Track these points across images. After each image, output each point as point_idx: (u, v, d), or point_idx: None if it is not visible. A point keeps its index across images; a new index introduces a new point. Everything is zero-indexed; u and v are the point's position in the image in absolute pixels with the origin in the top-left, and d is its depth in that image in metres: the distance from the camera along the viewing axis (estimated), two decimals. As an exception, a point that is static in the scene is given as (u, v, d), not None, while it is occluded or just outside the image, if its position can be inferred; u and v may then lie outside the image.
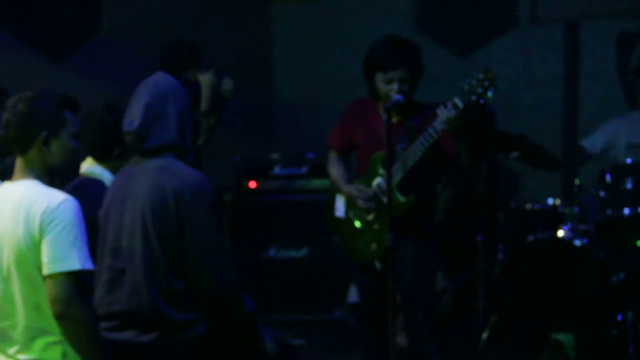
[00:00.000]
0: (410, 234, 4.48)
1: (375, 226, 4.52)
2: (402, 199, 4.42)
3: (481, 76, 4.27)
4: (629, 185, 5.31)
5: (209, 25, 6.91)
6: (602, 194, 5.38)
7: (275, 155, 6.53)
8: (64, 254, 3.07)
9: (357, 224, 4.60)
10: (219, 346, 3.39)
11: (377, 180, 4.50)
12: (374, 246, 4.54)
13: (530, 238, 5.49)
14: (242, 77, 7.09)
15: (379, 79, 4.44)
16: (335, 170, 4.68)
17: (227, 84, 5.51)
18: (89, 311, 3.15)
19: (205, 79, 5.43)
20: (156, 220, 3.30)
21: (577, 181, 5.53)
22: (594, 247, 5.36)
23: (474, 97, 4.25)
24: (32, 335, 3.15)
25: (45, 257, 3.08)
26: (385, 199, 4.38)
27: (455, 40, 7.17)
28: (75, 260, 3.08)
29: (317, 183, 6.31)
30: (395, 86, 4.39)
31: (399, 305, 4.61)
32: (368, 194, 4.49)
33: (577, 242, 5.35)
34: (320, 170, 6.21)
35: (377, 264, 4.54)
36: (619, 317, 5.19)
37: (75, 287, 3.08)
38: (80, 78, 6.12)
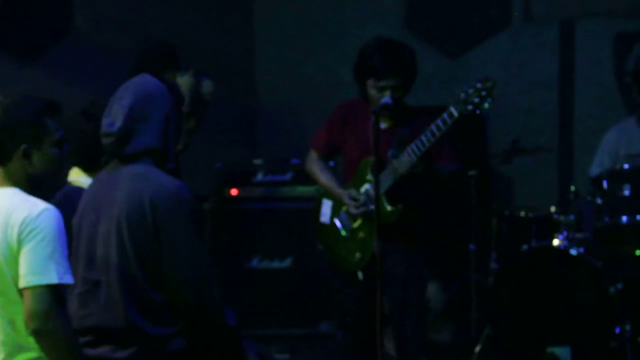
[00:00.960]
0: (399, 243, 4.49)
1: (360, 234, 4.56)
2: (389, 207, 4.45)
3: (479, 85, 4.33)
4: (626, 192, 5.32)
5: (187, 25, 6.90)
6: (599, 201, 5.39)
7: (257, 161, 6.50)
8: (41, 267, 3.02)
9: (342, 231, 4.63)
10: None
11: (365, 187, 4.54)
12: (357, 255, 4.57)
13: (525, 247, 5.50)
14: (222, 79, 7.05)
15: (371, 85, 4.48)
16: (323, 174, 4.72)
17: (207, 86, 5.51)
18: (68, 327, 3.09)
19: (184, 81, 5.42)
20: (132, 231, 3.27)
21: (572, 188, 5.55)
22: (591, 256, 5.35)
23: (470, 107, 4.32)
24: (9, 351, 3.11)
25: (22, 268, 3.03)
26: (372, 207, 4.39)
27: (446, 40, 7.19)
28: (53, 273, 3.03)
29: (302, 190, 6.30)
30: (387, 94, 4.42)
31: (388, 316, 4.61)
32: (361, 202, 4.51)
33: (573, 251, 5.35)
34: (305, 177, 6.18)
35: (360, 274, 4.57)
36: (617, 330, 5.19)
37: (53, 301, 3.03)
38: (52, 80, 6.11)
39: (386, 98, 4.36)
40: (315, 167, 4.77)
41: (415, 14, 7.22)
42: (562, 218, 5.50)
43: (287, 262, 6.39)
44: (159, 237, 3.26)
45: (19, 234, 3.04)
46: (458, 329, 6.15)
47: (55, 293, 3.03)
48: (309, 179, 6.09)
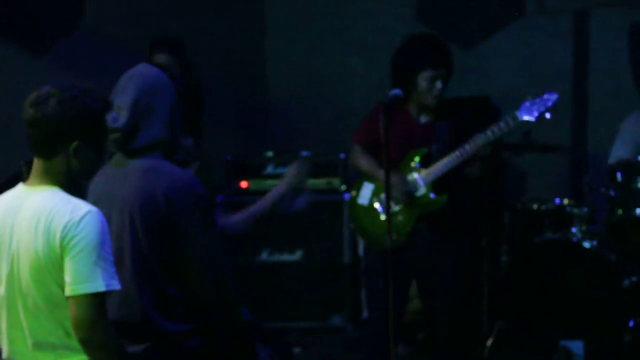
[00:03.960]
0: (445, 231, 4.95)
1: (399, 217, 4.92)
2: (434, 197, 4.91)
3: (546, 96, 4.86)
4: (640, 184, 5.35)
5: (198, 18, 6.91)
6: (612, 193, 5.40)
7: (267, 154, 6.54)
8: (87, 274, 2.96)
9: (381, 213, 4.97)
10: (214, 359, 3.40)
11: (414, 175, 4.94)
12: (393, 236, 4.81)
13: (537, 240, 5.53)
14: (232, 71, 7.12)
15: (423, 77, 4.88)
16: (365, 160, 5.04)
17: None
18: (115, 336, 3.05)
19: None
20: (146, 225, 3.28)
21: (586, 180, 5.55)
22: (605, 249, 5.39)
23: (535, 113, 4.84)
24: (57, 354, 3.07)
25: (67, 276, 2.97)
26: (417, 193, 4.91)
27: (458, 31, 7.16)
28: (100, 281, 2.97)
29: (313, 183, 6.21)
30: (438, 84, 4.87)
31: (428, 309, 5.14)
32: (407, 187, 4.91)
33: (587, 244, 5.38)
34: (315, 169, 6.21)
35: None
36: (631, 323, 5.23)
37: (100, 309, 2.98)
38: (62, 72, 6.11)
39: (396, 89, 4.48)
40: (357, 156, 5.10)
41: (427, 5, 7.20)
42: (575, 211, 5.51)
43: (297, 255, 6.41)
44: (174, 231, 3.27)
45: (62, 240, 2.97)
46: (469, 323, 6.17)
47: (102, 301, 2.99)
48: (319, 171, 6.20)
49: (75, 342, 3.03)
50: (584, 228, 5.47)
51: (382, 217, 4.95)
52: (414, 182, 4.93)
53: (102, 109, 3.11)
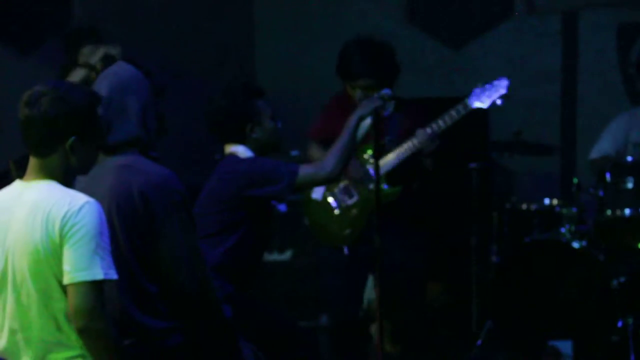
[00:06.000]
0: (399, 223, 4.81)
1: (353, 211, 4.87)
2: (387, 189, 4.81)
3: (495, 82, 4.84)
4: (629, 185, 5.36)
5: (187, 16, 6.92)
6: (601, 193, 5.42)
7: (257, 153, 6.56)
8: (86, 263, 2.97)
9: (335, 208, 4.93)
10: (196, 357, 3.40)
11: (366, 168, 4.88)
12: (347, 231, 4.89)
13: (526, 240, 5.56)
14: (221, 70, 7.11)
15: (348, 85, 4.92)
16: (321, 153, 4.95)
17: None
18: (111, 325, 3.06)
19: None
20: (123, 223, 3.30)
21: (575, 180, 5.59)
22: (593, 249, 5.42)
23: (484, 101, 4.79)
24: (47, 349, 3.07)
25: (67, 265, 2.98)
26: (371, 186, 4.79)
27: (448, 31, 7.19)
28: (98, 269, 2.98)
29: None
30: (358, 94, 4.81)
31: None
32: (362, 170, 4.84)
33: (576, 244, 5.42)
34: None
35: (346, 250, 4.89)
36: (620, 323, 5.26)
37: (99, 297, 2.99)
38: (51, 70, 6.11)
39: (386, 89, 4.49)
40: (314, 152, 5.06)
41: (416, 5, 7.23)
42: (564, 211, 5.55)
43: (287, 255, 6.43)
44: (150, 228, 3.29)
45: (61, 229, 2.99)
46: (459, 323, 6.19)
47: (100, 289, 3.00)
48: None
49: (65, 337, 3.05)
50: (572, 228, 5.50)
51: (336, 211, 4.91)
52: (367, 175, 4.88)
53: (94, 103, 3.13)
